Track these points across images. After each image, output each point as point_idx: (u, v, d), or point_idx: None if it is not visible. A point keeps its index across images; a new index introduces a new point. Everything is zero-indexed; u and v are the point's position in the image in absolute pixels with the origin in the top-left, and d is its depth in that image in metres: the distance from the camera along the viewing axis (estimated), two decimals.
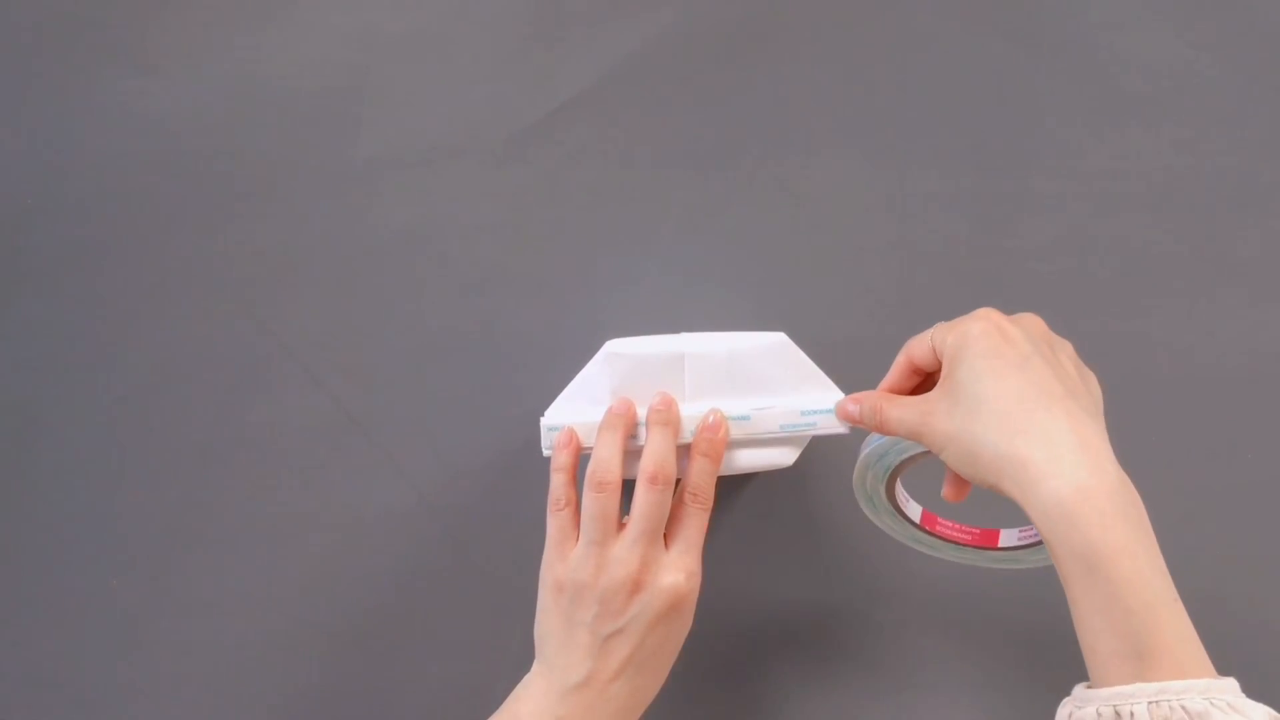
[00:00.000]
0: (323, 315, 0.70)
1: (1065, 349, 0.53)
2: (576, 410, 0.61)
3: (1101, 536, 0.44)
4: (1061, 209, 0.69)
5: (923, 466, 0.57)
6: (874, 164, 0.70)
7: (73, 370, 0.70)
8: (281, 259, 0.70)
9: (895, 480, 0.59)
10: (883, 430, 0.55)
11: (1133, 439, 0.67)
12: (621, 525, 0.57)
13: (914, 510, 0.61)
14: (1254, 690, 0.63)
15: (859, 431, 0.60)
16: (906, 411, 0.53)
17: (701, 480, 0.58)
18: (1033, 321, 0.53)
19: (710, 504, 0.58)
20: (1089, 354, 0.68)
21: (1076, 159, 0.69)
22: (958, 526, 0.61)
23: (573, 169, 0.70)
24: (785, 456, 0.61)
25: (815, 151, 0.70)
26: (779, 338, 0.61)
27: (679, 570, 0.56)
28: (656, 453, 0.57)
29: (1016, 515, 0.55)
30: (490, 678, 0.65)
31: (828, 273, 0.70)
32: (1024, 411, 0.48)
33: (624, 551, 0.56)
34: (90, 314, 0.70)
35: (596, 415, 0.59)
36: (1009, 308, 0.68)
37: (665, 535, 0.57)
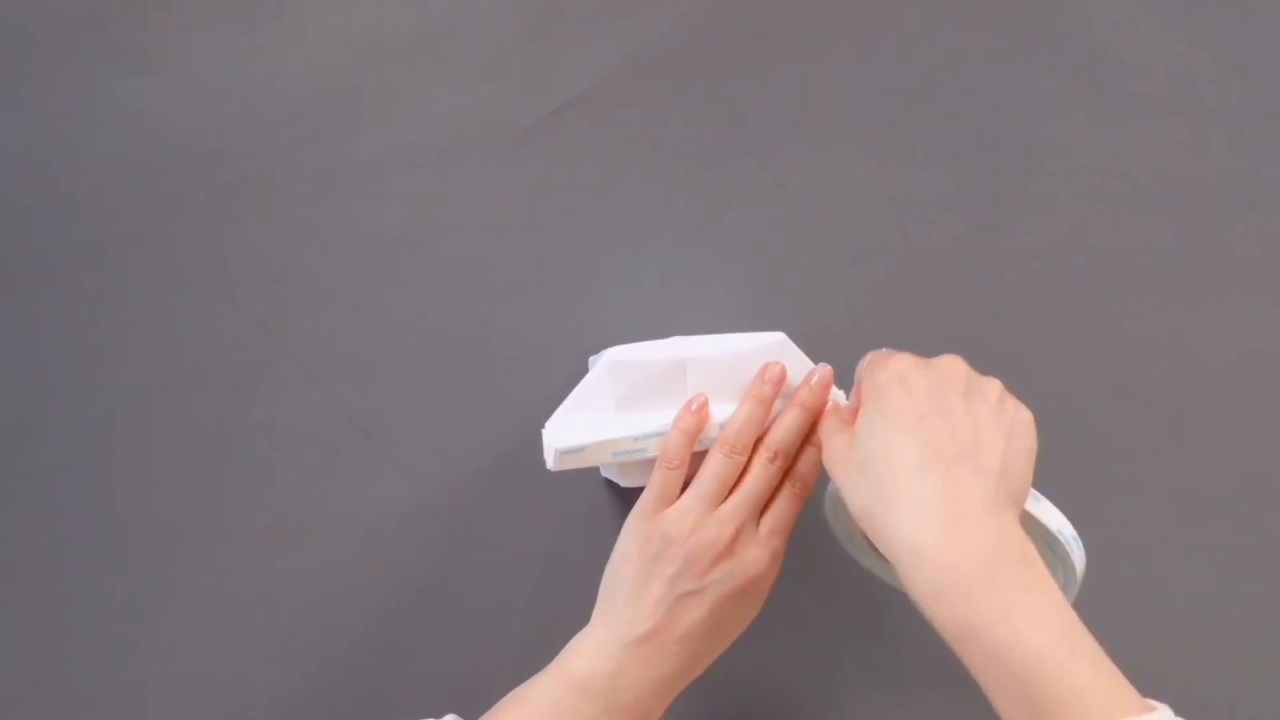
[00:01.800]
0: (323, 315, 0.70)
1: (987, 391, 0.52)
2: (580, 422, 0.60)
3: (971, 610, 0.45)
4: (1061, 209, 0.69)
5: None
6: (874, 164, 0.70)
7: (73, 370, 0.70)
8: (281, 259, 0.70)
9: None
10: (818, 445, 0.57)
11: (1133, 439, 0.67)
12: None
13: None
14: (1257, 685, 0.64)
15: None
16: (831, 441, 0.55)
17: (808, 469, 0.59)
18: (950, 366, 0.52)
19: (808, 494, 0.59)
20: (1089, 354, 0.68)
21: (1076, 159, 0.69)
22: None
23: (573, 169, 0.70)
24: None
25: (815, 151, 0.70)
26: (778, 337, 0.61)
27: (766, 549, 0.56)
28: (785, 431, 0.58)
29: None
30: (490, 677, 0.65)
31: (828, 273, 0.70)
32: (902, 477, 0.48)
33: (724, 515, 0.56)
34: (90, 314, 0.70)
35: (603, 429, 0.59)
36: (1009, 308, 0.69)
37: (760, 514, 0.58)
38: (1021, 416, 0.51)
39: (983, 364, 0.67)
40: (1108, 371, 0.67)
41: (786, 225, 0.70)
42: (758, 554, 0.56)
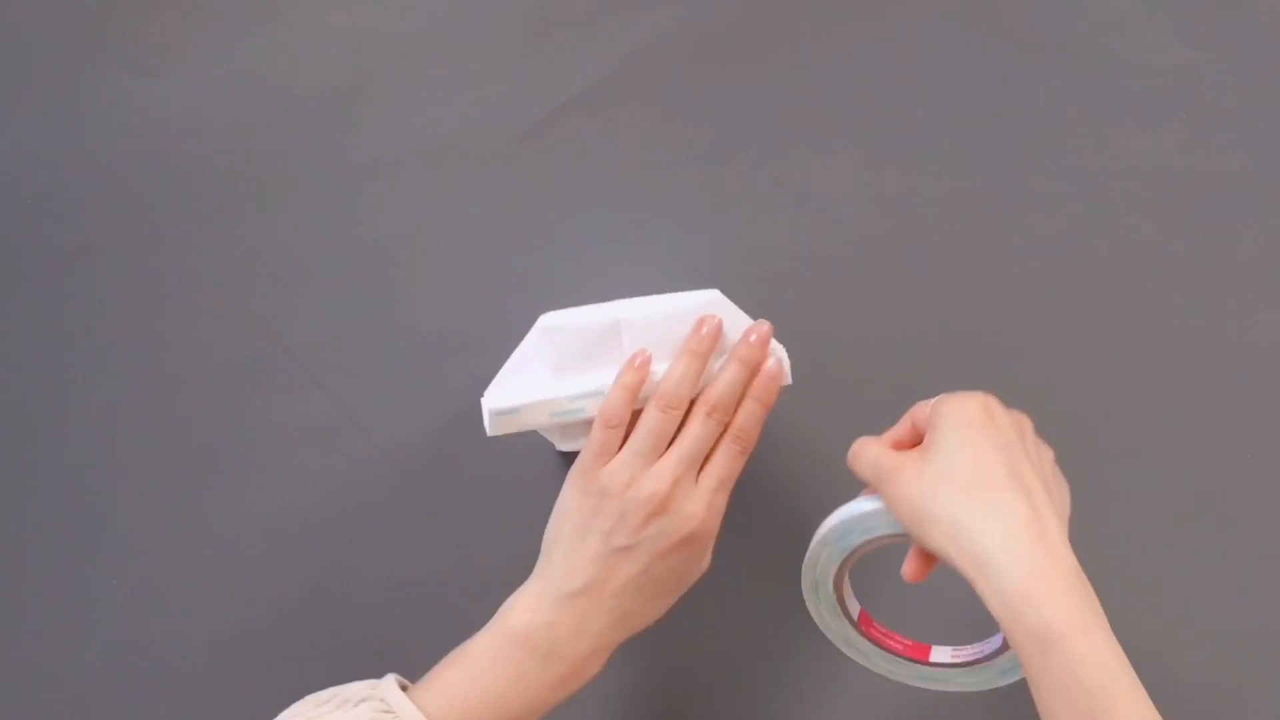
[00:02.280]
0: (323, 315, 0.70)
1: (1047, 455, 0.54)
2: (517, 385, 0.59)
3: (1056, 616, 0.45)
4: (1061, 209, 0.69)
5: (884, 556, 0.57)
6: (874, 164, 0.70)
7: (73, 370, 0.70)
8: (281, 259, 0.70)
9: (847, 567, 0.57)
10: (852, 465, 0.56)
11: (1133, 439, 0.67)
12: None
13: (854, 607, 0.59)
14: (1256, 685, 0.64)
15: (804, 383, 0.60)
16: (881, 457, 0.53)
17: (748, 423, 0.58)
18: (1023, 419, 0.54)
19: (751, 449, 0.58)
20: (1089, 354, 0.68)
21: (1076, 159, 0.69)
22: (891, 634, 0.59)
23: (573, 169, 0.70)
24: None
25: (815, 151, 0.70)
26: (713, 294, 0.60)
27: (703, 504, 0.56)
28: (724, 386, 0.57)
29: (956, 635, 0.55)
30: None
31: (828, 272, 0.70)
32: (992, 488, 0.49)
33: (660, 470, 0.55)
34: (90, 314, 0.70)
35: (539, 391, 0.58)
36: (1009, 308, 0.68)
37: (699, 470, 0.57)
38: (1066, 485, 0.54)
39: (983, 363, 0.67)
40: (1108, 371, 0.67)
41: (786, 225, 0.70)
42: (694, 509, 0.56)
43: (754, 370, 0.58)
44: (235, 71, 0.70)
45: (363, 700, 0.54)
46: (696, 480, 0.57)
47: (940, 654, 0.58)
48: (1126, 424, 0.67)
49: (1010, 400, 0.67)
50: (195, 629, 0.69)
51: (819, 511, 0.65)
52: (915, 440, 0.56)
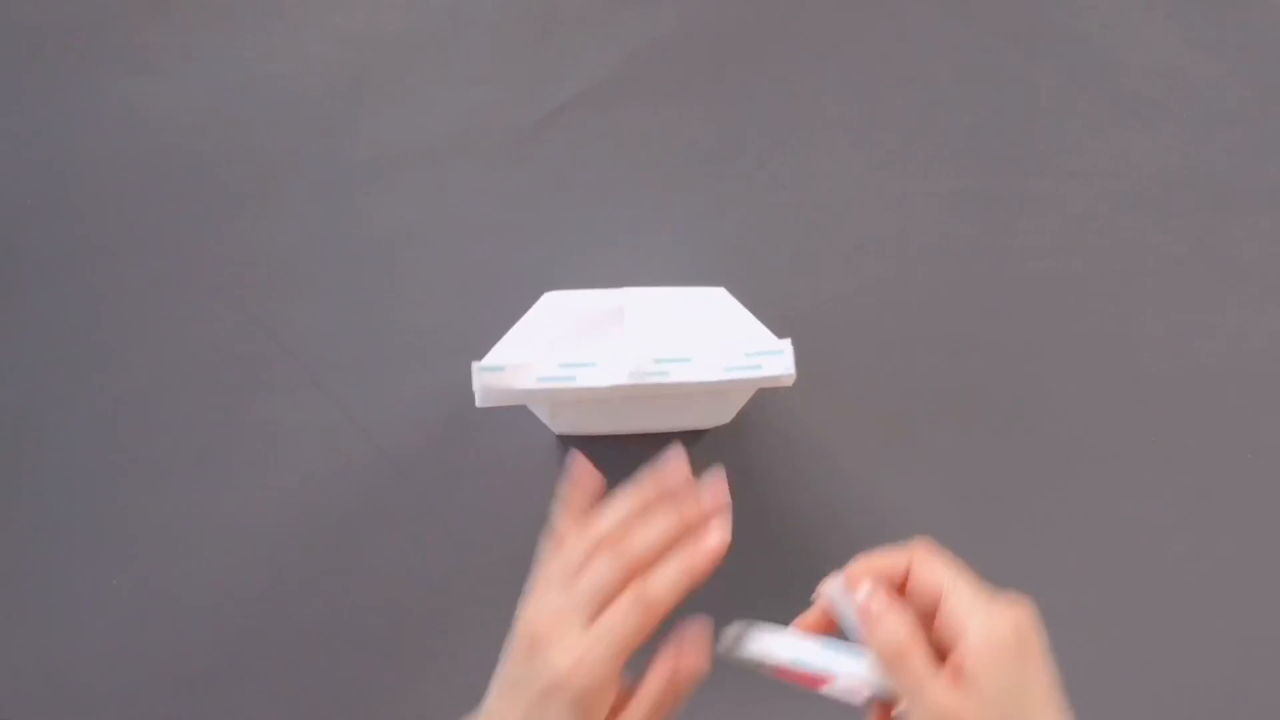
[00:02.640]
0: (323, 315, 0.70)
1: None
2: (509, 354, 0.58)
3: None
4: (1061, 209, 0.69)
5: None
6: (874, 164, 0.70)
7: (73, 370, 0.70)
8: (281, 259, 0.70)
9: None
10: (873, 640, 0.46)
11: (1133, 439, 0.67)
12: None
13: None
14: (1256, 685, 0.64)
15: (804, 382, 0.57)
16: (914, 652, 0.45)
17: (662, 588, 0.49)
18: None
19: (657, 620, 0.48)
20: (1089, 354, 0.68)
21: (1076, 159, 0.69)
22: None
23: (573, 169, 0.70)
24: (723, 413, 0.59)
25: (815, 151, 0.70)
26: (718, 291, 0.60)
27: (571, 657, 0.47)
28: (646, 535, 0.50)
29: None
30: (489, 677, 0.65)
31: (828, 272, 0.70)
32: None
33: (543, 605, 0.50)
34: (90, 314, 0.70)
35: (536, 363, 0.56)
36: (1009, 307, 0.68)
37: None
38: None
39: (983, 363, 0.67)
40: (1108, 371, 0.67)
41: (786, 225, 0.70)
42: (559, 662, 0.48)
43: (688, 530, 0.50)
44: (236, 72, 0.70)
45: None
46: (588, 627, 0.48)
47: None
48: (1126, 424, 0.67)
49: (1010, 399, 0.67)
50: (195, 628, 0.69)
51: (817, 510, 0.65)
52: (822, 624, 0.50)
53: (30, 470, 0.69)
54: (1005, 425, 0.67)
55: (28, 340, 0.70)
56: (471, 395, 0.70)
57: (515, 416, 0.68)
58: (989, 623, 0.46)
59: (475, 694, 0.65)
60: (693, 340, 0.57)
